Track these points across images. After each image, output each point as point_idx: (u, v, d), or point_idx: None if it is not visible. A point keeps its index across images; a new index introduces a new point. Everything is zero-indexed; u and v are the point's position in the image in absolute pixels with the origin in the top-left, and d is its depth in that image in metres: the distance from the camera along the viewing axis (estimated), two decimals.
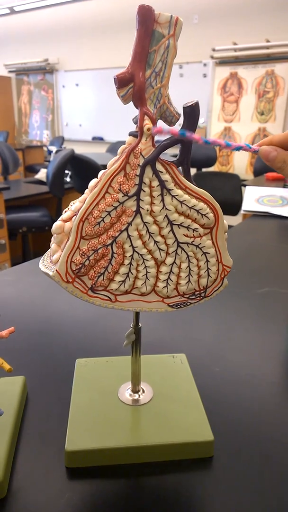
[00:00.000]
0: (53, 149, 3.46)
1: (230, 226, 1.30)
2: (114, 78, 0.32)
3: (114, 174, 0.33)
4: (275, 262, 0.94)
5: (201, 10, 3.99)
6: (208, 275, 0.37)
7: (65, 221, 0.35)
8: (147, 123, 0.33)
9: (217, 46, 4.04)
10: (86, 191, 0.35)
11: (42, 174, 3.02)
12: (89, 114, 5.17)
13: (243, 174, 4.08)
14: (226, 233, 0.37)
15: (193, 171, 3.56)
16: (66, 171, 2.80)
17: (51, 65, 5.27)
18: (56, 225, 0.35)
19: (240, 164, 4.23)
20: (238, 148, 0.33)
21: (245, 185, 1.88)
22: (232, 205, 2.65)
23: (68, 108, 5.37)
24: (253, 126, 4.09)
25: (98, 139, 5.13)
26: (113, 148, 4.38)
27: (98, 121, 5.09)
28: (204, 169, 3.72)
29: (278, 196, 1.56)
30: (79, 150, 2.88)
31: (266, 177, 2.14)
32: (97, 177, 0.35)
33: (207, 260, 0.37)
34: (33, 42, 5.31)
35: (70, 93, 5.27)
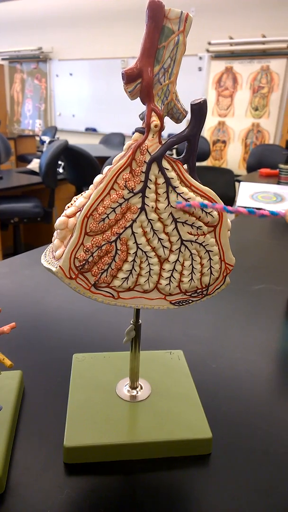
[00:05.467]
0: (46, 139, 3.42)
1: None
2: (122, 74, 0.31)
3: (120, 170, 0.33)
4: (270, 259, 0.95)
5: (198, 3, 3.97)
6: (211, 273, 0.37)
7: (69, 216, 0.34)
8: (154, 119, 0.32)
9: (213, 40, 4.02)
10: (91, 186, 0.35)
11: (34, 164, 2.99)
12: (82, 104, 5.12)
13: (236, 169, 4.09)
14: (229, 232, 0.37)
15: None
16: (59, 162, 2.78)
17: (45, 53, 5.21)
18: (60, 220, 0.34)
19: (233, 159, 4.24)
20: (263, 216, 0.32)
21: (239, 181, 1.89)
22: (225, 201, 2.64)
23: (61, 97, 5.31)
24: (247, 121, 4.09)
25: (91, 130, 5.09)
26: (106, 139, 4.35)
27: (92, 112, 5.05)
28: (197, 164, 3.71)
29: (272, 192, 1.57)
30: (72, 140, 2.85)
31: (260, 173, 2.15)
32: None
33: (210, 258, 0.37)
34: (27, 30, 5.24)
35: (64, 83, 5.22)
